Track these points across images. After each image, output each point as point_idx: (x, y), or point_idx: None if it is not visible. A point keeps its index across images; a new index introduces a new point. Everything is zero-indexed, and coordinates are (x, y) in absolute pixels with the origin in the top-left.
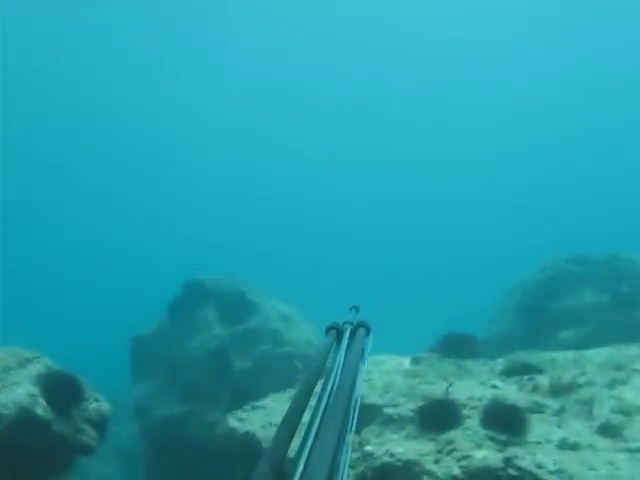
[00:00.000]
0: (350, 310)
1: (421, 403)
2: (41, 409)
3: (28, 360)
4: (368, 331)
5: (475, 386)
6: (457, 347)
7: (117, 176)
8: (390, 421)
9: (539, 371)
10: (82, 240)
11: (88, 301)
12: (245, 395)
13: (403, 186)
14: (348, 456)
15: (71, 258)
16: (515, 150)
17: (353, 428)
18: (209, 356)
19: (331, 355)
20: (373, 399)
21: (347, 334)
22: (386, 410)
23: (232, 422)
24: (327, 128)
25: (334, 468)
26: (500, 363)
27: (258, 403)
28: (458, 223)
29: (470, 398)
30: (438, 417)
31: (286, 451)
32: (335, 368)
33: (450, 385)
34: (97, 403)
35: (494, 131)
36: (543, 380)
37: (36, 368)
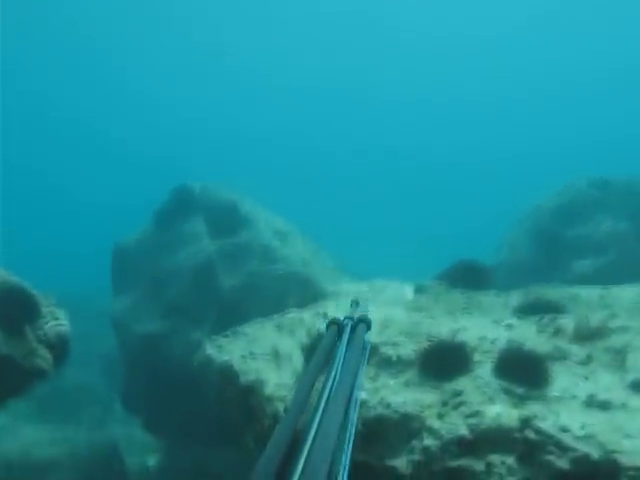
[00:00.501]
0: (351, 305)
1: (425, 344)
2: None
3: None
4: (369, 327)
5: (487, 325)
6: (467, 276)
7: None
8: (387, 363)
9: (560, 310)
10: (67, 120)
11: (72, 198)
12: (232, 314)
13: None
14: (350, 449)
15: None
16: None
17: (355, 422)
18: (195, 270)
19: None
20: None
21: (348, 329)
22: (384, 350)
23: (209, 349)
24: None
25: (335, 461)
26: (515, 297)
27: (240, 329)
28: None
29: (482, 339)
30: (444, 361)
31: (289, 443)
32: (336, 363)
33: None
34: (55, 322)
35: None
36: (566, 321)
37: None
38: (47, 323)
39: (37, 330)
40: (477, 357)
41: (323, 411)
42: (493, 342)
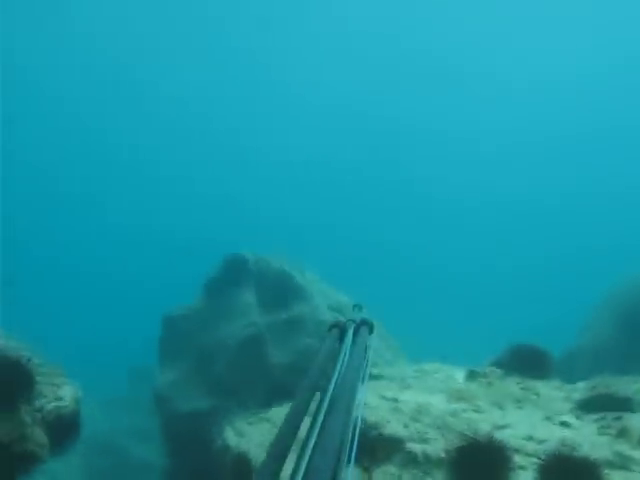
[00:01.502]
0: (353, 308)
1: (459, 441)
2: None
3: None
4: (371, 329)
5: (539, 421)
6: (525, 363)
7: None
8: (413, 462)
9: (629, 407)
10: (113, 217)
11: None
12: (280, 394)
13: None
14: (353, 451)
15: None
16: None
17: (358, 427)
18: (243, 346)
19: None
20: (395, 428)
21: (350, 332)
22: (410, 445)
23: (229, 436)
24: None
25: (338, 463)
26: (580, 390)
27: (264, 414)
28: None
29: (528, 439)
30: (477, 466)
31: (289, 447)
32: (338, 365)
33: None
34: (57, 402)
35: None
36: (635, 422)
37: None
38: (48, 403)
39: (35, 411)
40: (519, 461)
41: (326, 413)
42: (541, 443)
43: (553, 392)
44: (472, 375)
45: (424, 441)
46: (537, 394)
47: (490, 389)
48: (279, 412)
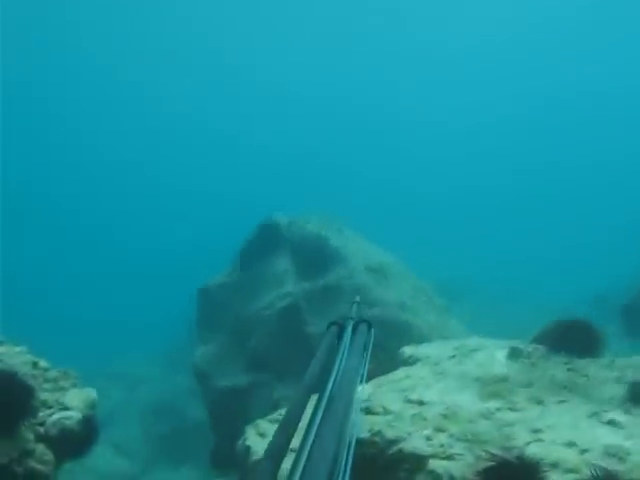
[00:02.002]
0: (351, 305)
1: (486, 460)
2: None
3: None
4: (370, 327)
5: (583, 418)
6: (572, 339)
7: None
8: None
9: None
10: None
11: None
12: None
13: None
14: (351, 449)
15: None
16: None
17: (357, 422)
18: (279, 317)
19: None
20: (416, 442)
21: (349, 330)
22: (433, 465)
23: (250, 438)
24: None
25: (336, 461)
26: (633, 368)
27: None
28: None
29: (569, 445)
30: None
31: (288, 444)
32: (337, 363)
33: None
34: (61, 414)
35: None
36: None
37: None
38: (52, 414)
39: (38, 425)
40: (557, 478)
41: (324, 411)
42: (584, 453)
43: (603, 372)
44: (515, 354)
45: (449, 458)
46: (586, 376)
47: (533, 371)
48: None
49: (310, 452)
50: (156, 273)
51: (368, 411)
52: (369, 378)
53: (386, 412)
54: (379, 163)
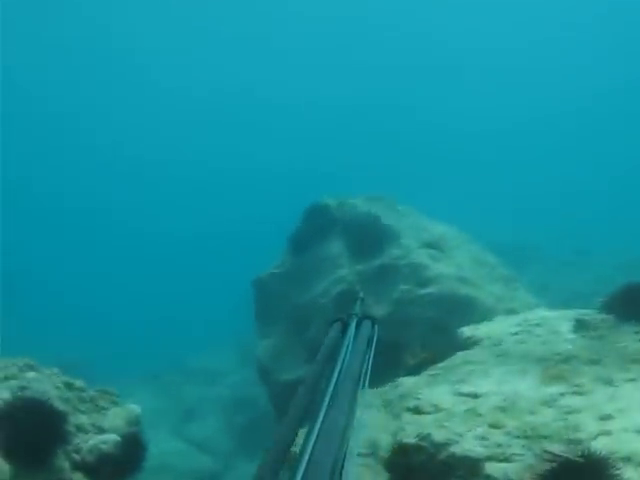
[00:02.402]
0: (355, 302)
1: (548, 459)
2: None
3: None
4: (374, 323)
5: None
6: None
7: None
8: None
9: None
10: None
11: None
12: (383, 355)
13: None
14: (355, 444)
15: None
16: None
17: (361, 420)
18: (336, 304)
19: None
20: (470, 443)
21: (353, 326)
22: (490, 469)
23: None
24: None
25: (340, 456)
26: None
27: None
28: None
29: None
30: None
31: (291, 443)
32: (341, 359)
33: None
34: (98, 438)
35: None
36: None
37: None
38: (88, 440)
39: (73, 453)
40: (631, 474)
41: (328, 407)
42: None
43: None
44: (581, 326)
45: (507, 459)
46: None
47: (601, 345)
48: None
49: (313, 449)
50: (212, 267)
51: (417, 411)
52: (427, 364)
53: (436, 410)
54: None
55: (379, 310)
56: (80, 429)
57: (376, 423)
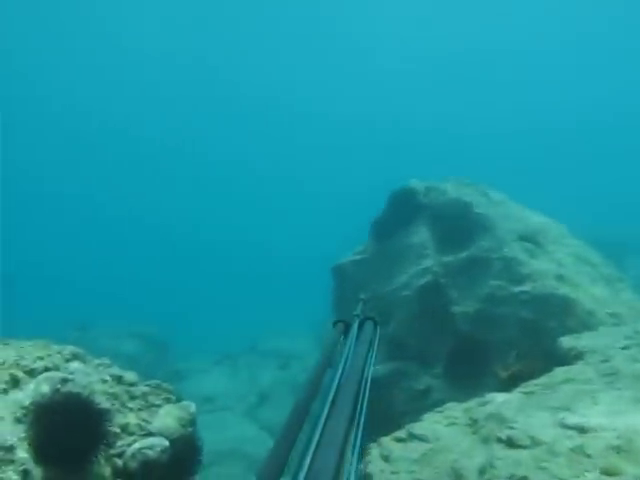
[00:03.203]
0: (357, 303)
1: None
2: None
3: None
4: (376, 324)
5: None
6: None
7: None
8: None
9: None
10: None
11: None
12: (467, 350)
13: None
14: (357, 450)
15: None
16: None
17: (362, 422)
18: (419, 297)
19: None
20: None
21: (355, 327)
22: None
23: (372, 462)
24: None
25: (343, 457)
26: None
27: (417, 427)
28: None
29: None
30: None
31: (292, 446)
32: (343, 361)
33: None
34: (144, 442)
35: None
36: None
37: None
38: (132, 443)
39: (116, 457)
40: None
41: (330, 407)
42: None
43: None
44: None
45: None
46: None
47: None
48: (434, 426)
49: (314, 453)
50: (295, 249)
51: (510, 443)
52: (521, 378)
53: (534, 444)
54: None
55: (466, 307)
56: (125, 430)
57: (459, 445)
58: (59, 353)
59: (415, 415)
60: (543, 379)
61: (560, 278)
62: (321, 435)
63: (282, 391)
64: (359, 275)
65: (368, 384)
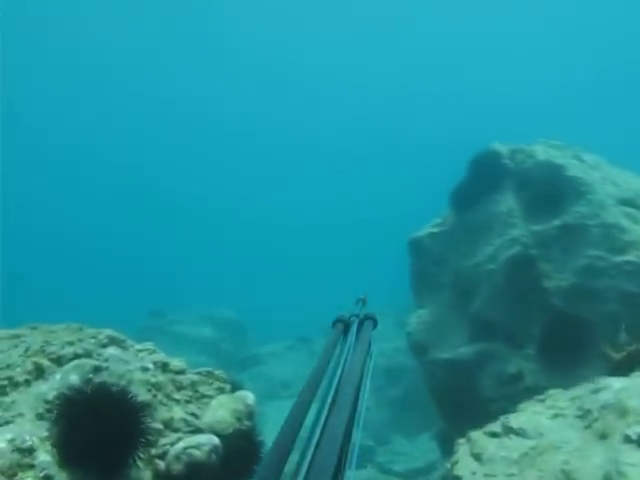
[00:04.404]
0: (357, 302)
1: None
2: None
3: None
4: (375, 324)
5: None
6: None
7: None
8: None
9: None
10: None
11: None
12: (563, 328)
13: None
14: (356, 450)
15: None
16: None
17: (361, 423)
18: (507, 271)
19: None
20: None
21: (354, 327)
22: None
23: (460, 462)
24: None
25: (341, 463)
26: None
27: (513, 419)
28: None
29: None
30: None
31: (291, 447)
32: (342, 361)
33: None
34: (189, 440)
35: None
36: None
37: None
38: (177, 441)
39: (157, 459)
40: None
41: (330, 406)
42: None
43: None
44: None
45: None
46: None
47: None
48: (536, 418)
49: (314, 454)
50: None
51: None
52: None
53: None
54: None
55: (559, 280)
56: (169, 426)
57: (569, 442)
58: (93, 337)
59: (506, 403)
60: None
61: None
62: (321, 435)
63: None
64: (438, 249)
65: (368, 384)
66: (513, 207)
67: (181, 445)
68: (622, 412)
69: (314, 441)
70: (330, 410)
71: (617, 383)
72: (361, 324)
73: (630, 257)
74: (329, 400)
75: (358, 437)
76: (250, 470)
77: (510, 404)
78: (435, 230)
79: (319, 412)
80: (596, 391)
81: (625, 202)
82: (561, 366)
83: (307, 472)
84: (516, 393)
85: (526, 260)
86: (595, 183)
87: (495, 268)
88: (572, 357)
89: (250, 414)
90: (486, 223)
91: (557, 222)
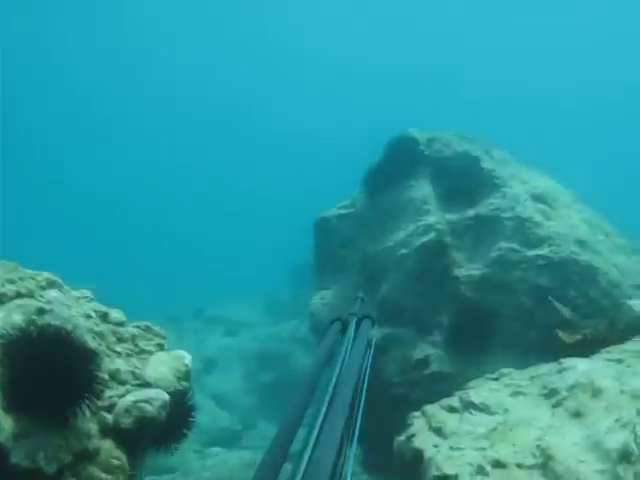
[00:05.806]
0: (355, 300)
1: None
2: None
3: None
4: (373, 322)
5: None
6: None
7: None
8: None
9: None
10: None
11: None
12: (472, 318)
13: None
14: (354, 444)
15: None
16: None
17: (359, 421)
18: (419, 257)
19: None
20: None
21: (352, 325)
22: None
23: (422, 434)
24: None
25: (340, 456)
26: None
27: (472, 394)
28: None
29: None
30: None
31: (289, 445)
32: (340, 360)
33: None
34: (140, 393)
35: None
36: None
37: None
38: (125, 394)
39: (104, 412)
40: None
41: (328, 406)
42: None
43: None
44: None
45: None
46: None
47: None
48: (495, 395)
49: (312, 451)
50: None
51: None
52: (591, 345)
53: None
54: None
55: (471, 270)
56: (115, 378)
57: (539, 419)
58: (32, 278)
59: (409, 388)
60: (630, 345)
61: (581, 244)
62: (319, 434)
63: (230, 360)
64: (346, 230)
65: (366, 383)
66: (428, 194)
67: (130, 398)
68: (596, 392)
69: (312, 439)
70: (328, 408)
71: (581, 364)
72: (359, 322)
73: (543, 251)
74: (327, 398)
75: (356, 437)
76: (184, 431)
77: (413, 389)
78: (344, 212)
79: (319, 406)
80: (561, 371)
81: (536, 198)
82: (467, 355)
83: (305, 470)
84: (420, 379)
85: (440, 247)
86: (508, 177)
87: (407, 253)
88: (479, 346)
89: (187, 374)
90: (399, 208)
91: (472, 212)
